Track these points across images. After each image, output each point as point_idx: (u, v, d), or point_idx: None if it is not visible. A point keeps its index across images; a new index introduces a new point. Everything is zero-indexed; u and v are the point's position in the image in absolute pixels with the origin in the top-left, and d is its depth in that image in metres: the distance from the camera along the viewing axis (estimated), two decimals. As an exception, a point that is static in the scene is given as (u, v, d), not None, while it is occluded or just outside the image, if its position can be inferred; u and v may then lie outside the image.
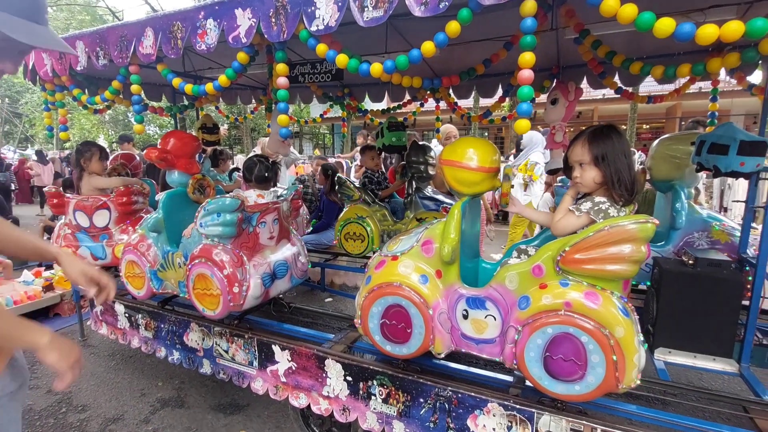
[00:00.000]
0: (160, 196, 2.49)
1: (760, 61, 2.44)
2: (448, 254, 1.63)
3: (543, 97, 3.25)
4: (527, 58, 1.34)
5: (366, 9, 1.48)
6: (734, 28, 1.10)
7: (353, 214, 3.43)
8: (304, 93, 4.26)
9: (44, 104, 2.95)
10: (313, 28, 1.61)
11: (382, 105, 4.39)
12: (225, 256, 2.12)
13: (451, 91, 3.60)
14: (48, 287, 4.19)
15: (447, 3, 1.34)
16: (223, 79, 1.95)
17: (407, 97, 3.83)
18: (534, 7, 1.31)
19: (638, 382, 1.44)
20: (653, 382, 1.95)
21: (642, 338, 1.48)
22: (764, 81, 2.18)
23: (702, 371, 2.08)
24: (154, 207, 3.36)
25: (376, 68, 1.58)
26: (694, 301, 2.02)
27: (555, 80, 3.14)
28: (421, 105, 3.84)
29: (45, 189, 3.06)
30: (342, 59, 1.62)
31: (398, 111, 3.99)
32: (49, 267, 4.60)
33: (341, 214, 3.54)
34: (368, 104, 4.57)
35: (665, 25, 1.16)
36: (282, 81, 1.79)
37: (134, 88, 2.23)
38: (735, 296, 1.96)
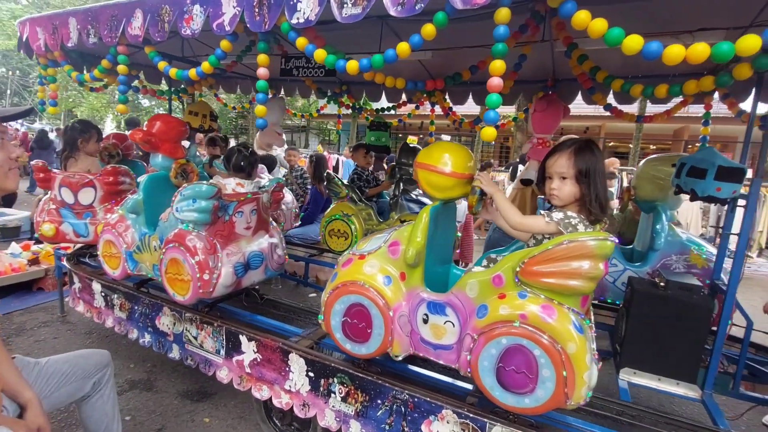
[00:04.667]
0: (142, 179, 2.50)
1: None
2: (412, 257, 1.62)
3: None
4: (497, 65, 1.33)
5: (345, 5, 1.48)
6: (700, 50, 1.10)
7: (339, 211, 3.42)
8: (303, 87, 4.26)
9: (39, 78, 2.97)
10: (294, 21, 1.61)
11: (382, 104, 4.39)
12: (198, 243, 2.12)
13: (447, 96, 3.60)
14: (33, 261, 4.21)
15: (422, 5, 1.34)
16: (206, 66, 1.95)
17: (404, 98, 3.82)
18: (507, 15, 1.30)
19: (587, 399, 1.43)
20: (613, 402, 1.94)
21: (596, 356, 1.47)
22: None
23: (665, 395, 2.06)
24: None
25: (351, 65, 1.58)
26: (662, 324, 2.02)
27: (550, 92, 3.14)
28: (417, 107, 3.84)
29: (32, 163, 3.07)
30: (320, 54, 1.62)
31: (391, 113, 3.99)
32: (38, 241, 4.60)
33: (327, 210, 3.54)
34: (383, 103, 4.50)
35: (633, 42, 1.15)
36: (262, 72, 1.79)
37: (121, 68, 2.23)
38: (703, 322, 1.96)
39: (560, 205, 1.54)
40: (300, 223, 4.38)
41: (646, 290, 2.05)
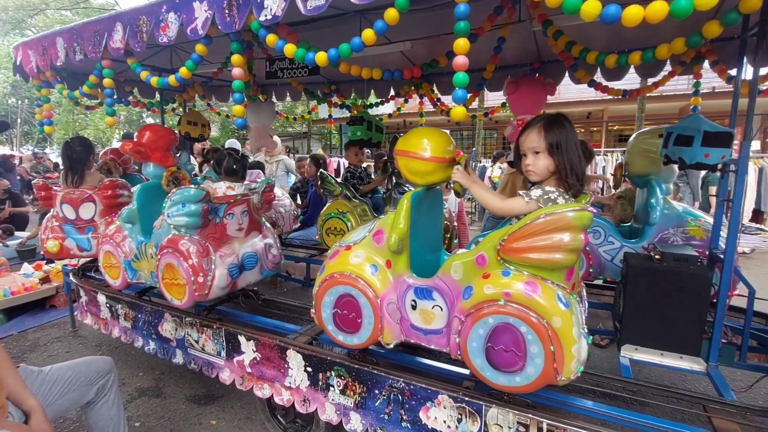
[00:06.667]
0: (135, 189, 2.54)
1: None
2: (395, 243, 1.62)
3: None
4: (461, 44, 1.33)
5: (308, -2, 1.49)
6: (658, 9, 1.08)
7: (334, 209, 3.43)
8: (293, 90, 4.28)
9: (35, 100, 3.05)
10: (262, 18, 1.63)
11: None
12: (191, 246, 2.15)
13: (435, 87, 3.59)
14: (45, 279, 4.31)
15: (380, -10, 1.34)
16: (183, 71, 1.98)
17: (392, 92, 3.82)
18: (465, -8, 1.30)
19: (578, 374, 1.41)
20: (613, 379, 1.91)
21: (584, 330, 1.45)
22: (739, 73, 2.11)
23: (669, 369, 2.02)
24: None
25: (320, 57, 1.59)
26: (660, 298, 1.98)
27: (537, 75, 3.11)
28: (405, 101, 3.84)
29: (33, 182, 3.15)
30: (289, 49, 1.63)
31: (380, 110, 3.98)
32: (50, 261, 4.70)
33: (323, 209, 3.55)
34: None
35: (591, 8, 1.14)
36: (237, 72, 1.81)
37: (106, 81, 2.28)
38: (702, 292, 1.92)
39: (537, 181, 1.53)
40: (299, 225, 4.40)
41: (641, 264, 2.02)
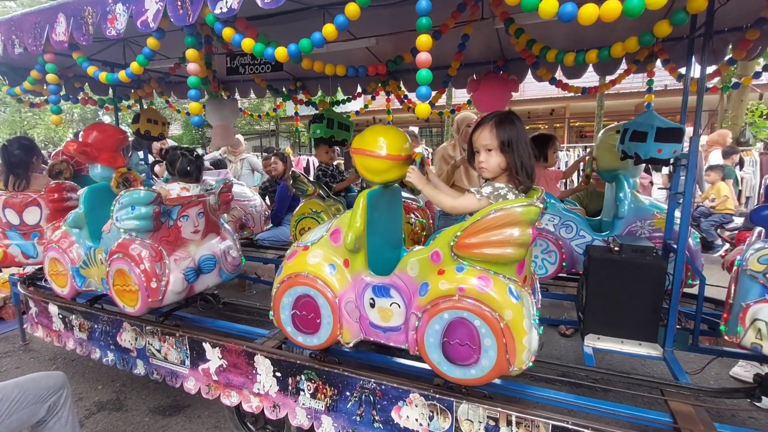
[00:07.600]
0: (81, 192, 2.40)
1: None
2: (351, 242, 1.61)
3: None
4: (424, 40, 1.32)
5: (265, -9, 1.44)
6: (612, 7, 1.10)
7: (308, 209, 3.36)
8: (257, 88, 4.16)
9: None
10: (217, 11, 1.56)
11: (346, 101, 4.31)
12: (142, 251, 2.05)
13: (402, 84, 3.58)
14: (-9, 290, 4.02)
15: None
16: (134, 66, 1.88)
17: (359, 89, 3.77)
18: (426, -13, 1.28)
19: (530, 364, 1.45)
20: (579, 368, 1.96)
21: (536, 321, 1.49)
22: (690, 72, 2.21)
23: (629, 356, 2.09)
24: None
25: (280, 52, 1.54)
26: (619, 288, 2.04)
27: (501, 73, 3.14)
28: (373, 98, 3.80)
29: (-29, 186, 2.92)
30: (247, 43, 1.57)
31: (347, 107, 3.92)
32: (-3, 270, 4.38)
33: (296, 209, 3.47)
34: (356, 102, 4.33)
35: (549, 6, 1.15)
36: (192, 67, 1.73)
37: (50, 77, 2.13)
38: (658, 281, 1.99)
39: (490, 177, 1.55)
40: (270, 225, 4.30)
41: (601, 256, 2.08)
